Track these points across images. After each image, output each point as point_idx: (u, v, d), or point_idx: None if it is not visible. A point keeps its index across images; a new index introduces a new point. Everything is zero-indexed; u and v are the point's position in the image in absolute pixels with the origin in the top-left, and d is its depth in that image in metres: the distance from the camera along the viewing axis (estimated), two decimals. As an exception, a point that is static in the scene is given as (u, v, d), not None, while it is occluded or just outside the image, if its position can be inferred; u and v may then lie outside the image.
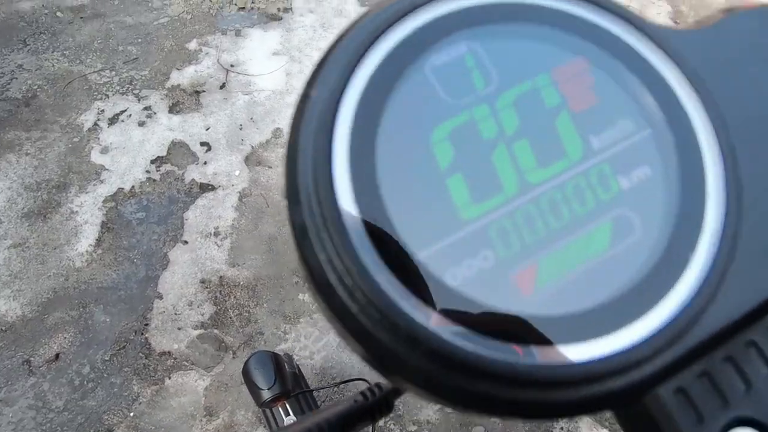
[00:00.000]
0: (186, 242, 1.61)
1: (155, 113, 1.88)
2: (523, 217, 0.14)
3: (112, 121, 1.85)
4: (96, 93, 1.93)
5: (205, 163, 1.77)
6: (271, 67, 2.03)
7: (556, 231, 0.14)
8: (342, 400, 0.46)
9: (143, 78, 1.98)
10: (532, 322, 0.13)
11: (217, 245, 1.60)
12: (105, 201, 1.67)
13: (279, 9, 2.25)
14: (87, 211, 1.65)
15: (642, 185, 0.14)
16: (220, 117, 1.89)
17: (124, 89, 1.94)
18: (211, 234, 1.62)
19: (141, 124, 1.85)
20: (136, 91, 1.94)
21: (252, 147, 1.82)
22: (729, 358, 0.15)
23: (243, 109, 1.91)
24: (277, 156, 1.80)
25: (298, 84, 1.99)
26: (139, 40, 2.10)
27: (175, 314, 1.48)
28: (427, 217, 0.13)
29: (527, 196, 0.14)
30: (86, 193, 1.69)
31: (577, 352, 0.13)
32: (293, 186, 0.14)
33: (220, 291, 1.52)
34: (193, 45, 2.09)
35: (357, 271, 0.13)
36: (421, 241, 0.13)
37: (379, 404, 0.45)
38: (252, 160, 1.79)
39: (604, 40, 0.15)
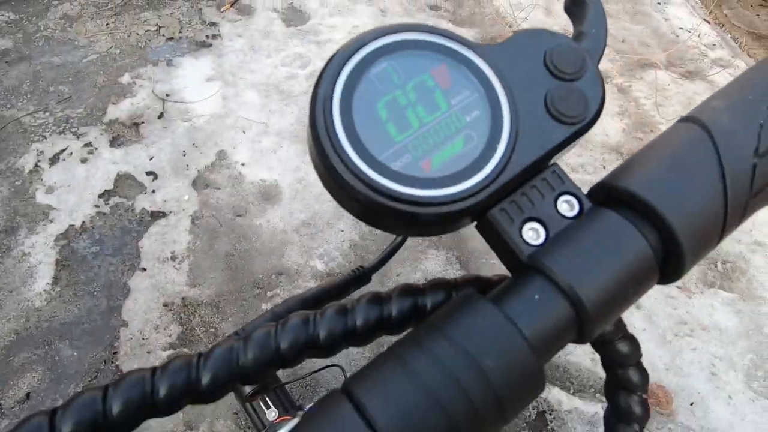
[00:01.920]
0: (144, 269, 1.65)
1: (96, 148, 1.91)
2: (422, 138, 0.27)
3: (53, 160, 1.87)
4: (32, 135, 1.93)
5: (153, 191, 1.82)
6: (207, 93, 2.10)
7: (438, 143, 0.27)
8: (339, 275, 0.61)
9: (79, 115, 2.00)
10: (430, 182, 0.27)
11: (176, 268, 1.66)
12: (57, 239, 1.69)
13: (207, 36, 2.32)
14: (39, 251, 1.66)
15: (476, 119, 0.28)
16: (163, 146, 1.94)
17: (61, 128, 1.96)
18: (168, 259, 1.67)
19: (84, 160, 1.87)
20: (73, 129, 1.96)
21: (198, 171, 1.88)
22: (533, 187, 0.29)
23: (184, 135, 1.97)
24: (225, 177, 1.87)
25: (236, 107, 2.06)
26: (70, 78, 2.11)
27: (143, 339, 1.53)
28: (381, 141, 0.27)
29: (423, 129, 0.27)
30: (36, 233, 1.70)
31: (452, 189, 0.27)
32: (314, 126, 0.27)
33: (185, 311, 1.58)
34: (125, 78, 2.13)
35: (348, 164, 0.26)
36: (379, 150, 0.27)
37: (362, 275, 0.67)
38: (200, 183, 1.85)
39: (455, 54, 0.29)
